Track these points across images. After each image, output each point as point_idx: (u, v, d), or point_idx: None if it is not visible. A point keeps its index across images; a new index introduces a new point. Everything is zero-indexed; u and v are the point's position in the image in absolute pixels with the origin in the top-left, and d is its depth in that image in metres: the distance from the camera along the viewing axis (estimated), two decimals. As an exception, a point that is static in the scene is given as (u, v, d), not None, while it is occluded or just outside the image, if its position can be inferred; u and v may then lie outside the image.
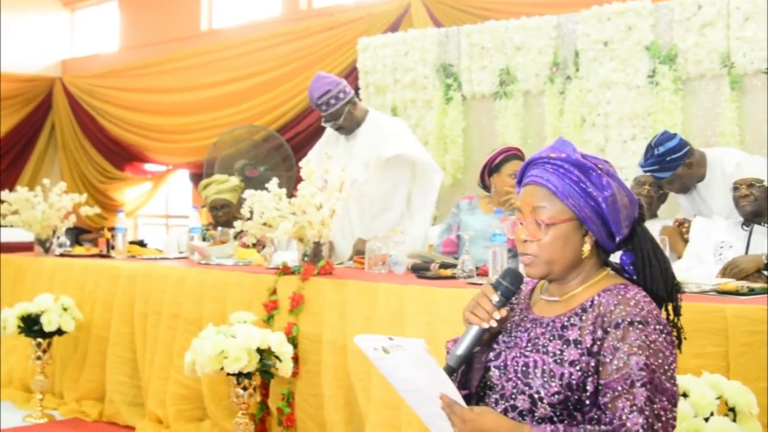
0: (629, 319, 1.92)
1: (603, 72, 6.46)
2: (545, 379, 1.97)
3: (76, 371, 5.43)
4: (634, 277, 2.10)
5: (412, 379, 2.05)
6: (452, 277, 4.00)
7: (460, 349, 2.07)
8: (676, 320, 2.09)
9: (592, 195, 2.01)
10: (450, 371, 2.05)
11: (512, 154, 4.76)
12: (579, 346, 1.96)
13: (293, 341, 4.14)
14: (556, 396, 1.95)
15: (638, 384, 1.86)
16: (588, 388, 1.93)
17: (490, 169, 4.76)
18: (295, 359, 4.10)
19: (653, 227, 4.63)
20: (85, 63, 12.59)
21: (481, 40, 7.16)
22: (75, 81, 12.29)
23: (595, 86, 6.50)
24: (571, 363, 1.95)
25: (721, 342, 2.90)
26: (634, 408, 1.85)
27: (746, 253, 4.14)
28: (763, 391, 2.71)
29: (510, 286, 2.10)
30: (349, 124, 5.33)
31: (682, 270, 4.11)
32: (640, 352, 1.88)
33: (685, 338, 2.10)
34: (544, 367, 1.98)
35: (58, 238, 6.11)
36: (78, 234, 8.31)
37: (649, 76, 6.26)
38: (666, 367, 1.90)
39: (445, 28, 7.65)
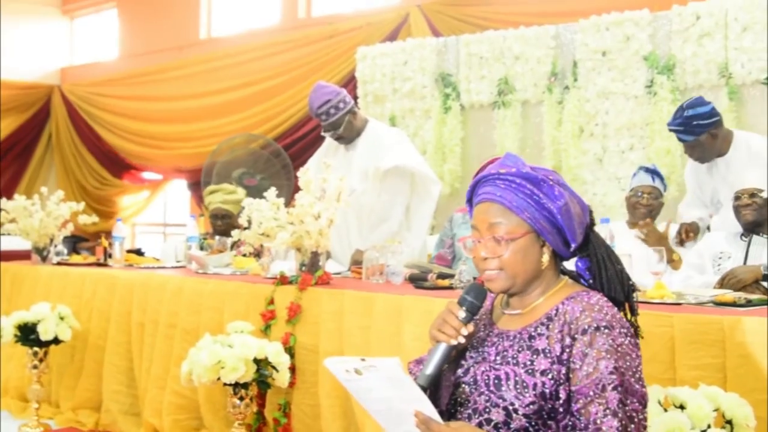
0: (595, 325, 1.96)
1: (601, 82, 6.47)
2: (518, 390, 1.99)
3: (73, 380, 5.42)
4: (591, 282, 2.16)
5: (385, 398, 2.03)
6: (450, 288, 4.00)
7: (430, 368, 2.05)
8: (633, 320, 2.13)
9: (545, 206, 2.05)
10: (422, 391, 2.01)
11: None
12: (548, 354, 2.00)
13: (290, 351, 4.13)
14: (531, 406, 1.97)
15: (609, 387, 1.89)
16: (561, 396, 1.96)
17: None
18: (292, 369, 4.09)
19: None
20: (84, 71, 12.59)
21: (479, 49, 7.17)
22: (74, 89, 12.29)
23: (594, 96, 6.51)
24: (543, 372, 1.98)
25: (719, 354, 2.89)
26: (608, 412, 1.88)
27: (745, 263, 4.14)
28: (760, 403, 2.71)
29: (474, 301, 2.10)
30: (348, 134, 5.33)
31: (680, 280, 4.12)
32: (609, 356, 1.92)
33: (642, 337, 2.13)
34: (516, 379, 2.01)
35: (56, 246, 6.10)
36: (75, 242, 8.27)
37: (648, 86, 6.27)
38: (634, 369, 1.94)
39: (443, 37, 7.66)
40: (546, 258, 2.10)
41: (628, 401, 1.90)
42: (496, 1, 8.14)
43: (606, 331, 1.95)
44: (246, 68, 10.13)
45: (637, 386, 1.93)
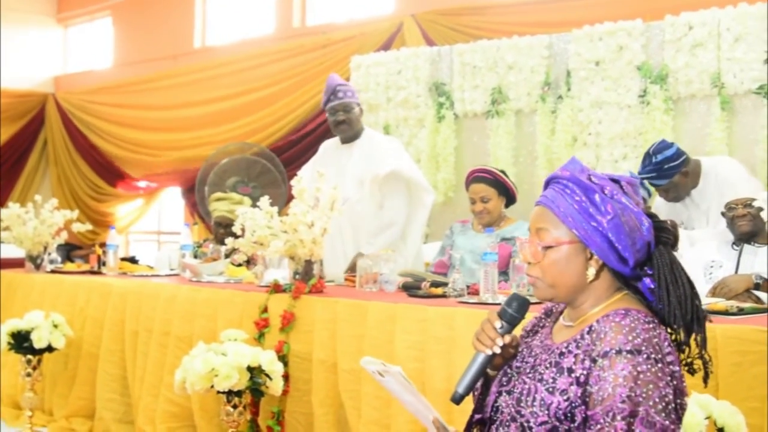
0: (618, 348, 1.85)
1: (594, 91, 6.49)
2: (535, 408, 1.94)
3: (66, 388, 5.41)
4: (655, 304, 2.01)
5: (407, 397, 2.15)
6: (443, 296, 4.01)
7: (467, 376, 2.07)
8: (700, 352, 2.00)
9: (594, 217, 1.96)
10: (459, 398, 2.06)
11: (474, 176, 4.83)
12: (571, 374, 1.91)
13: (284, 359, 4.13)
14: (543, 426, 1.91)
15: (619, 417, 1.79)
16: (576, 418, 1.88)
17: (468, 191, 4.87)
18: (286, 377, 4.09)
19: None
20: (78, 79, 12.60)
21: (473, 59, 7.19)
22: (68, 97, 12.30)
23: (587, 105, 6.53)
24: (562, 392, 1.91)
25: (711, 362, 2.89)
26: None
27: (736, 272, 4.16)
28: (751, 411, 2.71)
29: (514, 313, 2.08)
30: (351, 124, 5.41)
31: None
32: (625, 383, 1.81)
33: (711, 371, 2.02)
34: (536, 395, 1.95)
35: (50, 254, 6.10)
36: (69, 250, 8.29)
37: (640, 96, 6.29)
38: (656, 400, 1.80)
39: (437, 47, 7.68)
40: (592, 271, 1.99)
41: None
42: (489, 11, 8.17)
43: (628, 356, 1.83)
44: (240, 77, 10.15)
45: (657, 418, 1.78)
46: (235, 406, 3.98)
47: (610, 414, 1.80)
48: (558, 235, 2.00)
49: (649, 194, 4.98)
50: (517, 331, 2.20)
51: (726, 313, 3.23)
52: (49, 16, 12.98)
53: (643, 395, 1.80)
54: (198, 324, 4.61)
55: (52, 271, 6.00)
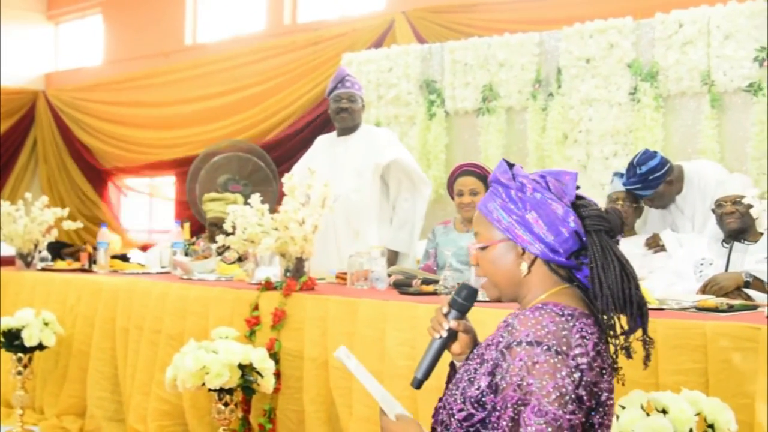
0: (519, 339, 1.90)
1: (585, 89, 6.50)
2: (456, 396, 2.02)
3: (57, 386, 5.41)
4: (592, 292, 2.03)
5: (375, 389, 2.19)
6: (434, 293, 4.01)
7: (425, 362, 2.19)
8: (618, 341, 2.01)
9: (514, 212, 2.05)
10: (417, 383, 2.19)
11: (463, 170, 4.82)
12: (487, 365, 1.98)
13: (275, 357, 4.13)
14: (461, 413, 1.99)
15: (509, 404, 1.86)
16: (487, 406, 1.94)
17: (451, 187, 4.84)
18: (277, 375, 4.09)
19: (630, 243, 4.67)
20: (69, 76, 12.55)
21: (464, 56, 7.19)
22: (59, 94, 12.25)
23: (577, 103, 6.54)
24: (476, 382, 1.98)
25: (701, 359, 2.91)
26: (502, 429, 1.88)
27: (726, 270, 4.17)
28: (741, 407, 2.73)
29: (463, 302, 2.20)
30: (353, 114, 5.46)
31: (662, 286, 4.14)
32: (520, 372, 1.86)
33: (630, 357, 2.02)
34: (460, 384, 2.04)
35: (40, 252, 6.08)
36: (60, 248, 8.25)
37: (631, 94, 6.31)
38: (550, 390, 1.83)
39: (428, 44, 7.68)
40: (525, 266, 2.05)
41: (532, 422, 1.81)
42: (480, 8, 8.17)
43: (527, 347, 1.87)
44: (232, 74, 10.13)
45: (549, 408, 1.81)
46: (226, 404, 3.98)
47: (504, 402, 1.88)
48: (490, 236, 2.10)
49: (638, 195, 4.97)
50: (481, 326, 2.31)
51: (716, 310, 3.23)
52: (40, 13, 12.93)
53: (537, 385, 1.84)
54: (189, 322, 4.61)
55: (43, 269, 5.99)
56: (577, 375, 1.88)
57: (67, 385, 5.34)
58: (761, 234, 4.25)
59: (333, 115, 5.50)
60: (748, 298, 3.79)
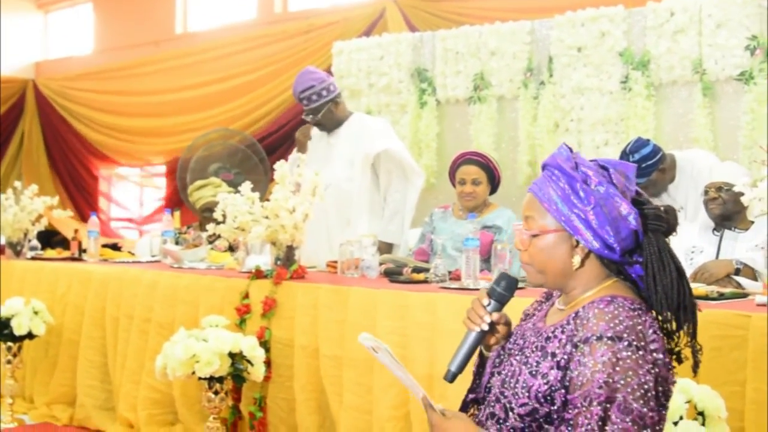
0: (599, 334, 1.85)
1: (576, 77, 6.49)
2: (517, 390, 1.95)
3: (47, 375, 5.39)
4: (644, 291, 2.00)
5: (400, 375, 2.11)
6: (425, 282, 4.01)
7: (459, 355, 2.11)
8: (690, 341, 2.00)
9: (576, 206, 1.96)
10: (451, 376, 2.11)
11: (466, 158, 4.82)
12: (554, 358, 1.92)
13: (265, 345, 4.13)
14: (524, 407, 1.93)
15: (595, 402, 1.81)
16: (556, 402, 1.89)
17: (453, 174, 4.84)
18: (267, 363, 4.09)
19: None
20: (58, 65, 12.50)
21: (455, 45, 7.17)
22: (48, 83, 12.20)
23: (569, 92, 6.53)
24: (543, 375, 1.92)
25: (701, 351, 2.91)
26: (589, 427, 1.81)
27: (717, 258, 4.18)
28: (731, 395, 2.73)
29: (503, 292, 2.11)
30: (327, 122, 5.34)
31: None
32: (604, 369, 1.81)
33: (683, 359, 2.01)
34: (519, 377, 1.97)
35: (30, 241, 6.06)
36: (49, 237, 8.23)
37: (622, 82, 6.30)
38: (635, 387, 1.81)
39: (419, 32, 7.66)
40: (578, 259, 1.99)
41: (617, 419, 1.78)
42: (471, -3, 8.17)
43: (609, 342, 1.83)
44: (222, 63, 10.11)
45: (635, 405, 1.79)
46: (216, 392, 3.98)
47: (588, 399, 1.82)
48: (543, 223, 2.01)
49: None
50: (515, 314, 2.22)
51: (706, 298, 3.24)
52: (30, 1, 12.86)
53: (622, 382, 1.81)
54: (179, 310, 4.60)
55: (33, 258, 5.96)
56: (655, 371, 1.86)
57: (56, 374, 5.33)
58: (752, 222, 4.26)
59: (312, 124, 5.48)
60: (739, 285, 3.80)
